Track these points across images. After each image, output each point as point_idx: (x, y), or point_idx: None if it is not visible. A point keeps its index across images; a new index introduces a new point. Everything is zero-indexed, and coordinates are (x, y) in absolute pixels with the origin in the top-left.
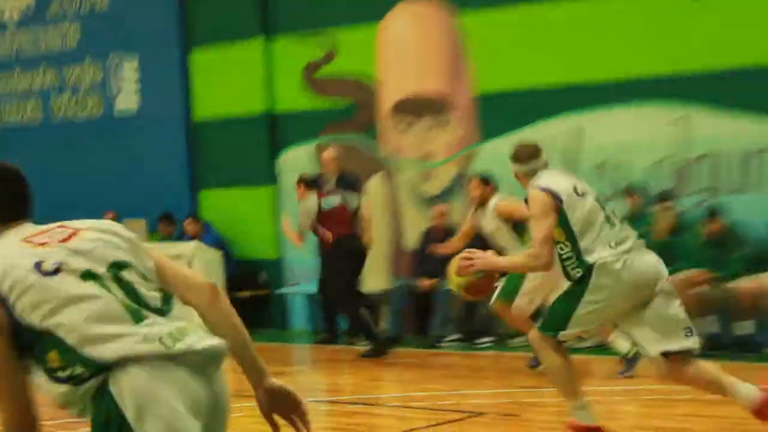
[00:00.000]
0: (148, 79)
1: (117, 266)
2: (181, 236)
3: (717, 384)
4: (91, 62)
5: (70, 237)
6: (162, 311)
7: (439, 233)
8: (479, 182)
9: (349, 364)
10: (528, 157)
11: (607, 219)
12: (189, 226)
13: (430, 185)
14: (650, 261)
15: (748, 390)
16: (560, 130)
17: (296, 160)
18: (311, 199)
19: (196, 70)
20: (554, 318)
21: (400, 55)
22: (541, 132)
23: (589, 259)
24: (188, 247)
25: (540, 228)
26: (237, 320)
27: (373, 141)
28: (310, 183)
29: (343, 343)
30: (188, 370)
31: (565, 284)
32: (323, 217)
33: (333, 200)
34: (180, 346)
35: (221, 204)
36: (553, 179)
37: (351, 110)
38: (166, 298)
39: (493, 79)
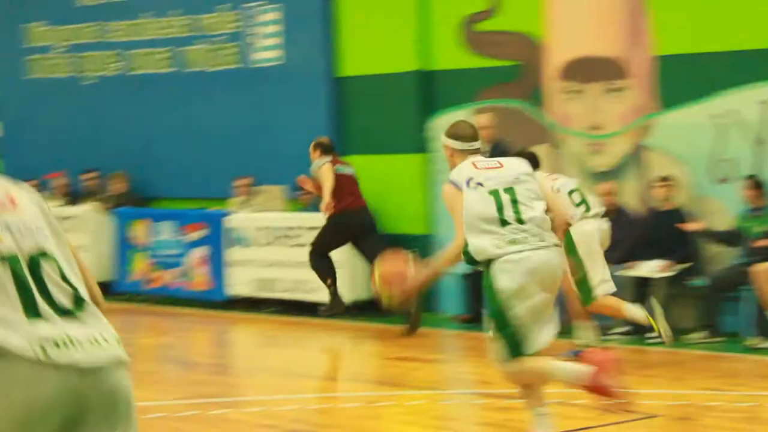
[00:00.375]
0: (289, 29)
1: (39, 255)
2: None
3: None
4: (227, 9)
5: (6, 208)
6: (68, 312)
7: (609, 214)
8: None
9: None
10: (468, 137)
11: (502, 220)
12: None
13: (600, 159)
14: (545, 257)
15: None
16: (750, 102)
17: None
18: (322, 161)
19: (342, 21)
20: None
21: (571, 11)
22: (728, 103)
23: (476, 256)
24: None
25: (456, 217)
26: None
27: (537, 107)
28: (327, 148)
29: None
30: (60, 374)
31: None
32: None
33: (346, 167)
34: (60, 356)
35: (366, 172)
36: (458, 171)
37: (514, 72)
38: (78, 299)
39: (676, 40)
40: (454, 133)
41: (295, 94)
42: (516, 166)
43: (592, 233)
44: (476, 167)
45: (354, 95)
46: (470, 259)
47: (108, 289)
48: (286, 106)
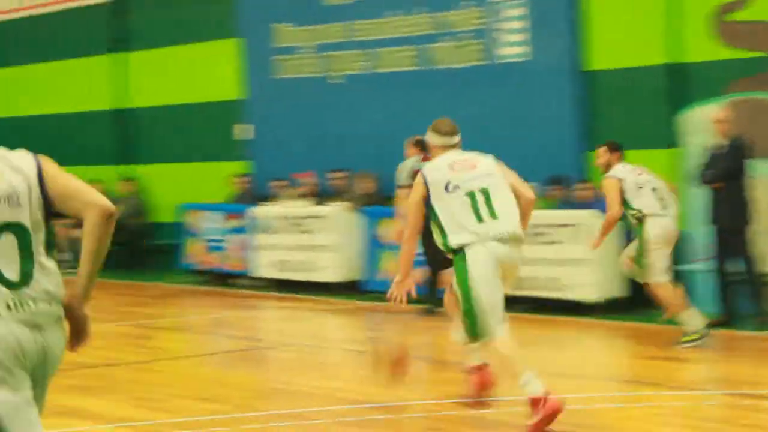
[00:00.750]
0: (535, 24)
1: (2, 228)
2: (570, 202)
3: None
4: (472, 5)
5: None
6: (11, 284)
7: None
8: (606, 149)
9: (760, 352)
10: (447, 132)
11: (477, 213)
12: (581, 191)
13: None
14: (504, 250)
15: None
16: None
17: (702, 119)
18: (412, 159)
19: (588, 14)
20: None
21: None
22: None
23: (452, 242)
24: (582, 215)
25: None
26: (104, 246)
27: None
28: (423, 145)
29: (749, 328)
30: (21, 324)
31: None
32: None
33: None
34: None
35: None
36: (435, 169)
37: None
38: (26, 276)
39: None
40: (435, 129)
41: (542, 90)
42: (487, 164)
43: (662, 229)
44: (453, 170)
45: (602, 90)
46: (447, 247)
47: (357, 288)
48: (533, 101)
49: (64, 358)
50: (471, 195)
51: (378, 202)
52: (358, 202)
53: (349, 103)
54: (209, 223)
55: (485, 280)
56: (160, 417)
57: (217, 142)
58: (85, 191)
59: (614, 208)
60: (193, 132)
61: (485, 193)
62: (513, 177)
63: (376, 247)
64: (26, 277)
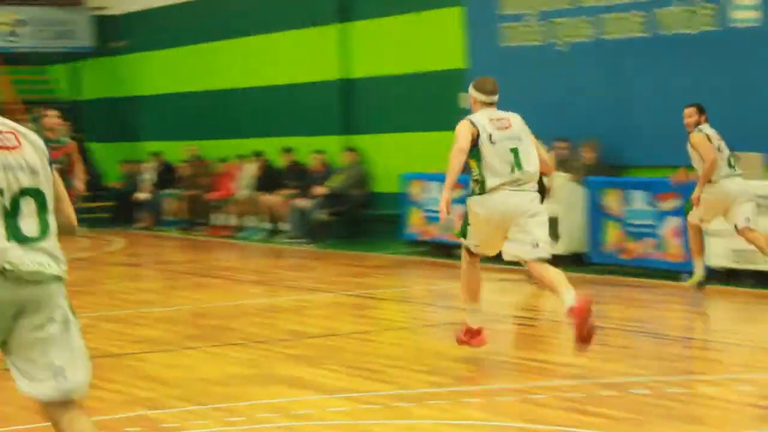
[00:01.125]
0: None
1: (23, 192)
2: None
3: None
4: None
5: (12, 148)
6: (28, 240)
7: None
8: (694, 110)
9: None
10: (491, 91)
11: (512, 168)
12: None
13: None
14: (515, 200)
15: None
16: None
17: None
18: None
19: None
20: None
21: None
22: None
23: (487, 185)
24: None
25: (456, 141)
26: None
27: None
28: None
29: None
30: (12, 280)
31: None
32: None
33: None
34: (10, 267)
35: None
36: (482, 117)
37: None
38: (43, 231)
39: None
40: (479, 87)
41: None
42: (518, 125)
43: (729, 188)
44: (493, 125)
45: None
46: (480, 185)
47: (581, 261)
48: (766, 68)
49: (287, 328)
50: (513, 150)
51: (600, 171)
52: (580, 171)
53: (574, 72)
54: (431, 193)
55: (485, 231)
56: (379, 388)
57: (440, 111)
58: (66, 200)
59: (710, 155)
60: (415, 102)
61: (515, 151)
62: (534, 141)
63: (599, 217)
64: (42, 234)
